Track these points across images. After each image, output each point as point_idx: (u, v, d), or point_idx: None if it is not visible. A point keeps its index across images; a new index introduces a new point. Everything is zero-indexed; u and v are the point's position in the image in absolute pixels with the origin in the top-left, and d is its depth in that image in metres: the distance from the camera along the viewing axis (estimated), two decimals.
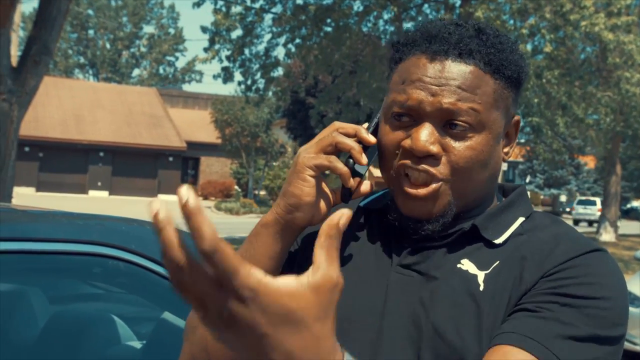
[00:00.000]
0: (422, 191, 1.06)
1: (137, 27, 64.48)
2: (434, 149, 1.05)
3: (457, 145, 1.06)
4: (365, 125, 1.17)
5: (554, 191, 46.44)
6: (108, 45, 64.47)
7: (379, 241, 1.16)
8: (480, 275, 1.04)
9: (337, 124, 1.12)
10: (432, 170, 1.06)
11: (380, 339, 1.06)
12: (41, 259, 1.93)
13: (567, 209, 44.89)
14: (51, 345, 2.13)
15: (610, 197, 24.83)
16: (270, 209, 1.13)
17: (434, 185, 1.06)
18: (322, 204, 1.12)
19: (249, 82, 18.69)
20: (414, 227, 1.09)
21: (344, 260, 1.16)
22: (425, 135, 1.05)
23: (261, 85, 18.95)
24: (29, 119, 31.35)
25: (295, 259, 1.20)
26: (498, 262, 1.06)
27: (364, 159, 1.09)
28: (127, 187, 38.50)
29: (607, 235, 24.49)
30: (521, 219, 1.13)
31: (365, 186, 1.15)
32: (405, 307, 1.06)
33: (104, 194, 38.03)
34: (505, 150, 1.15)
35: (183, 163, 40.89)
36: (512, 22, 15.71)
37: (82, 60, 64.21)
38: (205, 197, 40.03)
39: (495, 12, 14.80)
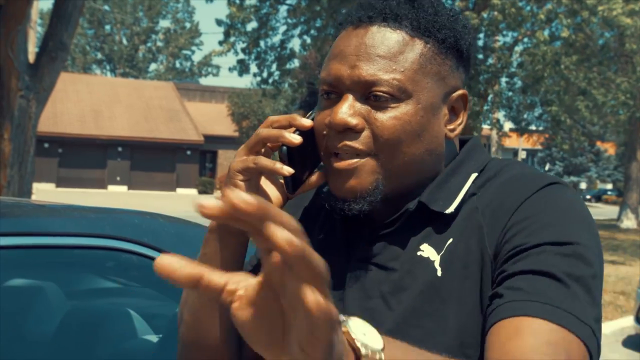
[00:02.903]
0: (344, 164, 1.01)
1: (153, 22, 64.67)
2: (353, 121, 0.99)
3: (379, 117, 1.00)
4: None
5: (573, 179, 46.11)
6: (125, 41, 64.75)
7: (339, 235, 1.11)
8: (437, 260, 0.99)
9: (270, 118, 1.07)
10: (355, 145, 1.00)
11: None
12: (56, 254, 1.93)
13: (587, 197, 44.55)
14: (68, 339, 2.13)
15: (631, 183, 24.56)
16: None
17: (359, 159, 1.01)
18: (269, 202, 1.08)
19: (264, 74, 18.70)
20: (342, 208, 1.03)
21: None
22: (344, 108, 1.00)
23: (277, 78, 18.96)
24: (48, 115, 31.60)
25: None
26: (451, 239, 1.00)
27: (295, 138, 1.01)
28: (145, 181, 38.73)
29: (628, 222, 24.26)
30: (473, 176, 1.06)
31: (315, 176, 1.09)
32: (363, 303, 1.03)
33: (123, 188, 38.27)
34: (451, 126, 1.07)
35: (201, 156, 41.04)
36: (528, 8, 15.57)
37: (99, 56, 64.55)
38: None
39: None
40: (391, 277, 1.02)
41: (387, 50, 1.00)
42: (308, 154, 1.07)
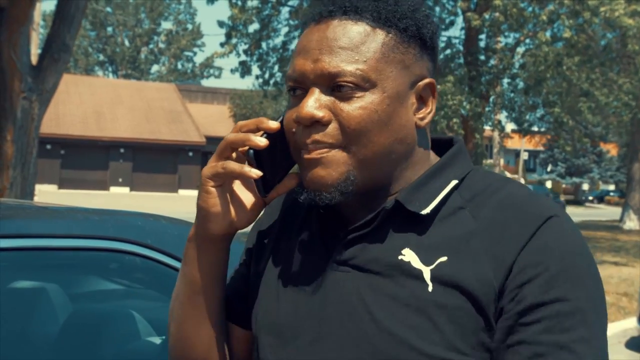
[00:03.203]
0: (313, 154, 1.01)
1: (155, 24, 64.72)
2: (319, 113, 0.99)
3: (345, 107, 1.00)
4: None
5: (575, 180, 46.07)
6: (127, 42, 64.80)
7: (318, 236, 1.10)
8: (426, 272, 0.97)
9: (239, 123, 1.08)
10: (322, 138, 1.00)
11: (319, 345, 1.01)
12: (59, 256, 1.93)
13: (590, 198, 44.51)
14: (72, 341, 2.14)
15: (634, 184, 24.51)
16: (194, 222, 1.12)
17: (325, 149, 1.01)
18: (239, 209, 1.08)
19: (266, 75, 18.70)
20: (313, 198, 1.02)
21: (286, 258, 1.12)
22: (310, 101, 1.00)
23: (279, 79, 18.96)
24: (50, 117, 31.64)
25: (249, 272, 1.19)
26: (445, 257, 0.97)
27: (260, 141, 1.03)
28: (147, 182, 38.76)
29: (631, 223, 24.22)
30: (453, 182, 1.05)
31: (288, 178, 1.10)
32: (344, 307, 1.01)
33: (125, 190, 38.29)
34: (420, 115, 1.06)
35: (203, 158, 41.04)
36: (530, 9, 15.56)
37: (101, 57, 64.59)
38: None
39: None
40: (373, 281, 1.00)
41: (348, 41, 1.00)
42: (279, 157, 1.07)
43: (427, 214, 1.01)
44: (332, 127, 1.00)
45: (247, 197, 1.09)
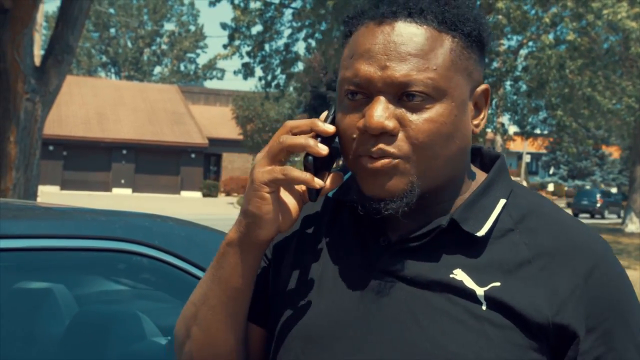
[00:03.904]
0: (378, 164, 0.96)
1: (158, 25, 64.80)
2: (390, 124, 0.95)
3: (414, 119, 0.96)
4: (325, 113, 1.07)
5: (578, 182, 46.03)
6: (130, 44, 64.88)
7: (354, 239, 1.07)
8: (479, 292, 0.96)
9: (288, 124, 1.02)
10: (390, 149, 0.96)
11: (361, 352, 0.98)
12: (66, 256, 1.94)
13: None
14: (77, 342, 2.14)
15: (636, 186, 24.50)
16: (233, 226, 1.06)
17: (389, 159, 0.96)
18: (285, 212, 1.04)
19: (269, 77, 18.73)
20: (377, 208, 0.98)
21: (316, 259, 1.09)
22: (379, 111, 0.95)
23: (282, 81, 18.98)
24: (53, 118, 31.65)
25: (269, 268, 1.16)
26: (499, 283, 0.96)
27: (322, 149, 0.98)
28: (150, 184, 38.77)
29: (632, 226, 24.21)
30: (502, 202, 1.03)
31: (334, 179, 1.05)
32: (391, 317, 0.98)
33: (128, 191, 38.32)
34: (475, 122, 1.04)
35: (205, 159, 41.06)
36: (533, 12, 15.56)
37: (104, 59, 64.67)
38: (228, 193, 40.18)
39: (517, 2, 14.65)
40: (422, 295, 0.98)
41: (417, 47, 0.96)
42: (325, 158, 1.02)
43: (482, 236, 1.00)
44: (400, 138, 0.97)
45: (292, 200, 1.05)
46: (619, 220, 25.74)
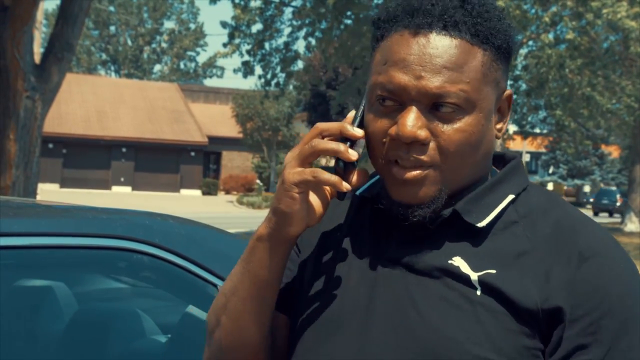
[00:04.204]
0: (410, 175, 1.01)
1: (158, 23, 64.79)
2: (422, 134, 0.99)
3: (445, 129, 1.00)
4: (352, 114, 1.11)
5: (577, 182, 46.05)
6: (129, 42, 64.86)
7: (370, 232, 1.12)
8: (474, 277, 1.00)
9: (319, 127, 1.07)
10: (421, 157, 1.00)
11: (362, 338, 1.03)
12: (66, 254, 1.94)
13: (591, 200, 44.49)
14: (77, 339, 2.14)
15: (635, 186, 24.52)
16: (263, 222, 1.11)
17: (423, 171, 1.01)
18: (314, 209, 1.08)
19: (269, 76, 18.73)
20: (404, 213, 1.03)
21: (334, 251, 1.15)
22: (412, 120, 0.99)
23: (281, 80, 18.98)
24: (53, 116, 31.66)
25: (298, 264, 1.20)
26: (494, 270, 1.00)
27: (352, 155, 1.03)
28: (149, 182, 38.78)
29: (632, 225, 24.22)
30: (510, 197, 1.07)
31: (360, 177, 1.08)
32: (392, 303, 1.03)
33: (127, 189, 38.32)
34: (498, 126, 1.08)
35: (205, 158, 41.07)
36: (533, 11, 15.57)
37: (104, 56, 64.66)
38: (227, 192, 40.20)
39: (517, 1, 14.66)
40: (421, 281, 1.02)
41: (451, 60, 1.00)
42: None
43: (483, 227, 1.03)
44: (430, 147, 1.01)
45: (320, 198, 1.09)
46: (619, 220, 25.72)
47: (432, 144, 1.01)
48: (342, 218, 1.18)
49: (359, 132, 1.05)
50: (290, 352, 1.14)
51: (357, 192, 1.17)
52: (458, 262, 1.01)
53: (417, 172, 1.01)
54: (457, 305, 0.99)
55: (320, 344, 1.08)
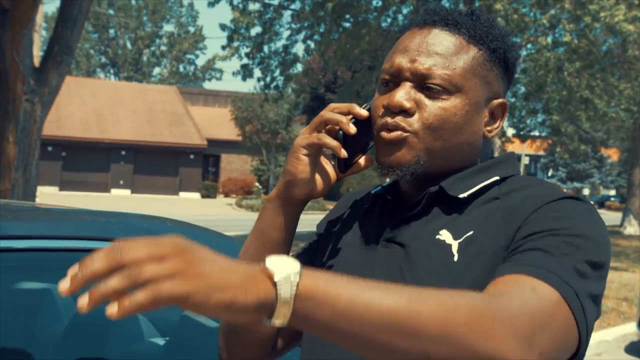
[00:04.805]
0: (391, 135, 1.15)
1: (157, 26, 64.80)
2: (407, 104, 1.14)
3: (430, 104, 1.14)
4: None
5: (576, 184, 46.05)
6: (129, 45, 64.87)
7: (375, 220, 1.24)
8: (454, 245, 1.10)
9: (332, 105, 1.20)
10: (404, 124, 1.14)
11: None
12: (65, 257, 1.95)
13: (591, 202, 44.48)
14: (75, 342, 2.15)
15: (634, 189, 24.51)
16: (275, 187, 1.24)
17: (403, 133, 1.14)
18: (319, 179, 1.22)
19: (268, 79, 18.72)
20: (385, 174, 1.17)
21: (345, 239, 1.28)
22: (401, 93, 1.14)
23: (280, 83, 18.98)
24: (52, 119, 31.67)
25: (317, 250, 1.33)
26: (472, 231, 1.10)
27: (352, 128, 1.16)
28: (148, 185, 38.77)
29: (631, 228, 24.21)
30: (495, 178, 1.18)
31: (364, 160, 1.25)
32: (386, 279, 1.10)
33: (126, 192, 38.32)
34: (489, 128, 1.21)
35: (204, 160, 41.07)
36: (531, 14, 15.58)
37: (103, 59, 64.66)
38: (226, 194, 40.19)
39: (515, 4, 14.67)
40: (411, 255, 1.13)
41: (444, 49, 1.15)
42: (359, 140, 1.21)
43: (464, 197, 1.15)
44: (415, 118, 1.15)
45: (326, 171, 1.23)
46: (618, 223, 25.69)
47: (416, 116, 1.15)
48: (358, 212, 1.31)
49: (363, 112, 1.19)
50: None
51: (372, 192, 1.31)
52: (444, 235, 1.12)
53: (398, 132, 1.15)
54: (437, 271, 1.09)
55: None
